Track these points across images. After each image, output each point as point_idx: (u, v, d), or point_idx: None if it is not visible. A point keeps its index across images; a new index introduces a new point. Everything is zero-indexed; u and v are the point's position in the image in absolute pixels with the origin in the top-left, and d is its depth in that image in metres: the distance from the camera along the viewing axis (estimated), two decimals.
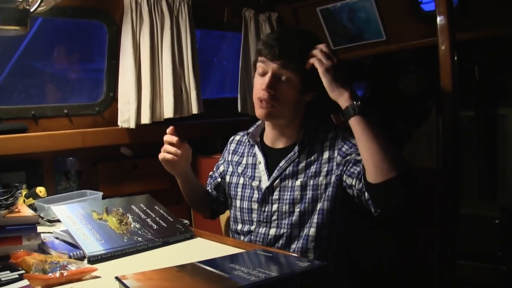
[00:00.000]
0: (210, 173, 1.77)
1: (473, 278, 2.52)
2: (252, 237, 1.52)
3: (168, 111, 2.24)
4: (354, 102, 1.29)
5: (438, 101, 1.68)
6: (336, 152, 1.43)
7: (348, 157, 1.39)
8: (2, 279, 1.06)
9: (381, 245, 1.65)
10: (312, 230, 1.43)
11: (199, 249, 1.24)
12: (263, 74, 1.43)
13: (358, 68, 3.76)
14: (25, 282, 1.04)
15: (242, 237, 1.56)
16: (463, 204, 3.05)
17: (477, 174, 3.42)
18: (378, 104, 3.78)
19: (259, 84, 1.44)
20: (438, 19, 1.66)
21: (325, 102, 1.40)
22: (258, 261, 1.08)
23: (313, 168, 1.45)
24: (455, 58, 1.65)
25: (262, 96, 1.43)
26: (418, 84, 3.60)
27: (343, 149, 1.42)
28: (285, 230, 1.46)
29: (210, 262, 1.05)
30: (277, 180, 1.48)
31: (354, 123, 1.29)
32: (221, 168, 1.71)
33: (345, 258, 1.53)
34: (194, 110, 2.32)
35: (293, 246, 1.45)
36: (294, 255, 1.23)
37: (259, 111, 1.46)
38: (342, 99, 1.31)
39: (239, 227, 1.57)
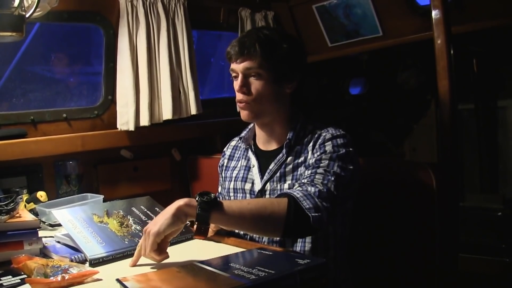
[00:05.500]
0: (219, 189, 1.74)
1: (477, 270, 2.52)
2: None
3: (166, 113, 2.24)
4: (198, 200, 1.16)
5: (436, 94, 1.68)
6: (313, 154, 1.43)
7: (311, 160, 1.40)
8: (4, 284, 1.07)
9: (383, 240, 1.65)
10: None
11: (200, 250, 1.24)
12: (236, 77, 1.45)
13: (355, 64, 3.76)
14: (27, 286, 1.05)
15: None
16: (465, 197, 3.04)
17: (479, 166, 3.42)
18: (377, 99, 3.79)
19: (235, 88, 1.45)
20: (433, 13, 1.66)
21: (308, 93, 1.38)
22: (258, 260, 1.08)
23: (300, 171, 1.44)
24: (451, 51, 1.65)
25: (239, 98, 1.45)
26: (417, 78, 3.59)
27: (314, 151, 1.42)
28: None
29: (210, 262, 1.06)
30: (268, 183, 1.48)
31: (214, 220, 1.18)
32: (220, 179, 1.70)
33: (347, 256, 1.52)
34: (193, 111, 2.32)
35: (291, 249, 1.43)
36: (294, 252, 1.23)
37: (242, 114, 1.48)
38: (183, 210, 1.16)
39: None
